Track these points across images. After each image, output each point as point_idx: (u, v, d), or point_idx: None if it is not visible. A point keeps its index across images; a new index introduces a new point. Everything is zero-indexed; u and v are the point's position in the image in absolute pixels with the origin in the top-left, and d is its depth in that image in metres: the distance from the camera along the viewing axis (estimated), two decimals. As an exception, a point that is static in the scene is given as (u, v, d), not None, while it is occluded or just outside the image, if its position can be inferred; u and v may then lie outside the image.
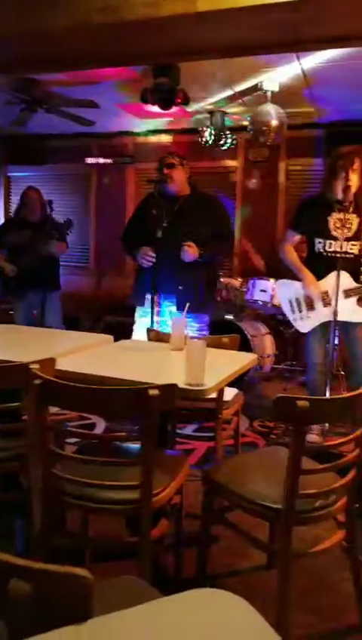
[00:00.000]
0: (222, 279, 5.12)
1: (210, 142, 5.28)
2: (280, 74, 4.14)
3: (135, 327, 3.63)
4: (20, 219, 4.74)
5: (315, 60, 3.82)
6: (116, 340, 2.57)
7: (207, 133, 5.24)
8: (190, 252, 3.27)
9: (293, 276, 3.52)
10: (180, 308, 3.29)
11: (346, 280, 3.23)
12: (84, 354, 2.21)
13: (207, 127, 5.25)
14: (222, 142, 5.36)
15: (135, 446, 2.02)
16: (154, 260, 3.33)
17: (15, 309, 4.71)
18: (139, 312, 3.60)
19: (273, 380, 5.16)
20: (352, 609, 1.84)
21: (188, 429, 3.67)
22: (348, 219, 3.28)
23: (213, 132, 5.24)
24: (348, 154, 3.20)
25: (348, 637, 1.79)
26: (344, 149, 3.24)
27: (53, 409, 2.28)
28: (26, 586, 0.74)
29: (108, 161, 6.39)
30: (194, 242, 3.32)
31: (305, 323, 3.45)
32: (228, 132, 5.32)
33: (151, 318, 3.25)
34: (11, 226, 4.84)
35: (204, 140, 5.26)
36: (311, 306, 3.40)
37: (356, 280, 3.29)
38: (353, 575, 1.82)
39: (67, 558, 2.00)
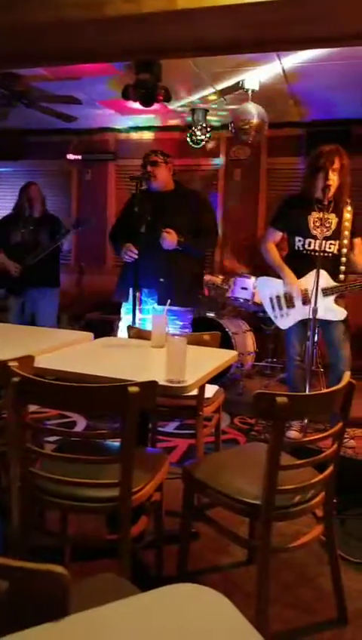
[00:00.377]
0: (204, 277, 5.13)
1: (192, 139, 5.28)
2: (261, 73, 4.16)
3: (121, 323, 3.64)
4: (20, 215, 4.53)
5: (295, 59, 3.84)
6: (98, 337, 2.56)
7: (198, 133, 5.24)
8: (168, 238, 3.32)
9: (275, 273, 3.55)
10: (161, 302, 3.31)
11: (324, 279, 3.26)
12: (63, 351, 2.20)
13: (189, 124, 5.25)
14: (201, 138, 5.37)
15: (115, 444, 2.02)
16: (136, 256, 3.36)
17: (10, 307, 4.53)
18: (124, 308, 3.60)
19: (254, 377, 5.19)
20: (331, 603, 1.86)
21: (170, 427, 3.67)
22: (327, 218, 3.31)
23: (194, 129, 5.24)
24: (329, 153, 3.21)
25: (327, 630, 1.81)
26: (324, 148, 3.25)
27: (33, 407, 2.27)
28: (3, 583, 0.73)
29: (78, 157, 6.34)
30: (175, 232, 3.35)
31: (284, 320, 3.49)
32: (208, 129, 5.33)
33: (133, 315, 3.25)
34: (11, 223, 4.59)
35: (186, 137, 5.26)
36: (291, 304, 3.44)
37: (334, 279, 3.32)
38: (331, 569, 1.84)
39: (46, 557, 1.99)
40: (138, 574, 1.82)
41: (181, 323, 3.57)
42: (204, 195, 3.85)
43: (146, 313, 3.44)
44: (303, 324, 3.39)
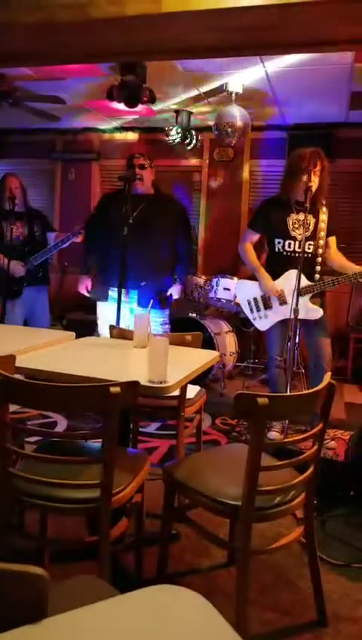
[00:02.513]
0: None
1: (176, 141, 5.29)
2: (244, 76, 4.18)
3: (99, 322, 3.67)
4: (1, 210, 4.16)
5: (279, 63, 3.88)
6: (79, 337, 2.55)
7: (173, 132, 5.24)
8: (177, 293, 3.78)
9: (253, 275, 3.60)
10: (142, 304, 3.45)
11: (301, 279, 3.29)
12: (45, 351, 2.18)
13: (173, 126, 5.26)
14: (187, 141, 5.38)
15: (96, 444, 2.01)
16: (88, 294, 3.74)
17: (9, 309, 4.15)
18: (102, 307, 3.65)
19: (235, 378, 5.20)
20: (311, 604, 1.87)
21: (151, 427, 3.67)
22: (306, 219, 3.35)
23: (178, 131, 5.25)
24: (311, 157, 3.23)
25: (307, 633, 1.82)
26: (305, 152, 3.26)
27: (14, 407, 2.25)
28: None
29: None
30: (156, 241, 3.51)
31: (263, 322, 3.54)
32: (193, 131, 5.35)
33: (118, 315, 3.24)
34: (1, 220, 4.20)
35: (170, 139, 5.27)
36: (268, 305, 3.49)
37: (310, 279, 3.36)
38: (311, 570, 1.85)
39: (25, 558, 1.97)
40: (118, 576, 1.81)
41: (161, 319, 3.65)
42: (181, 203, 3.99)
43: (131, 313, 3.47)
44: (284, 324, 3.42)
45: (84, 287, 3.78)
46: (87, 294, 3.79)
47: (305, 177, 3.20)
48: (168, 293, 3.74)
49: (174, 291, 3.79)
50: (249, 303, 3.58)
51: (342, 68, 3.90)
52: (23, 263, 4.15)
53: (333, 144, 5.19)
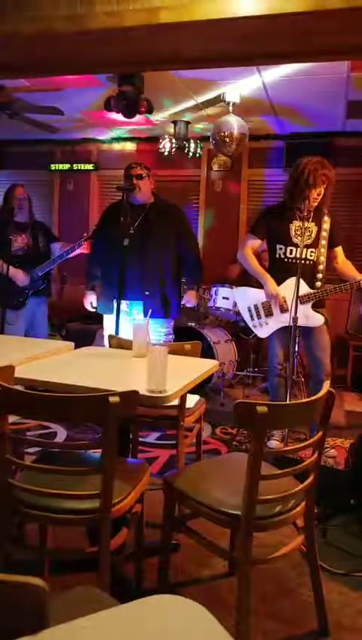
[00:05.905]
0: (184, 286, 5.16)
1: (172, 151, 5.32)
2: (241, 86, 4.22)
3: (105, 333, 3.65)
4: (7, 220, 4.15)
5: (275, 73, 3.91)
6: (78, 347, 2.55)
7: (165, 143, 5.28)
8: (192, 300, 3.77)
9: (255, 283, 3.59)
10: (147, 313, 3.40)
11: (302, 286, 3.30)
12: (44, 361, 2.18)
13: (171, 136, 5.29)
14: (186, 151, 5.41)
15: (96, 455, 2.00)
16: (94, 310, 3.73)
17: (12, 320, 4.14)
18: (107, 320, 3.64)
19: (235, 387, 5.20)
20: (312, 614, 1.86)
21: (151, 437, 3.66)
22: (308, 227, 3.37)
23: (176, 141, 5.29)
24: (317, 168, 3.18)
25: (308, 642, 1.81)
26: (311, 165, 3.20)
27: (13, 418, 2.25)
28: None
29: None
30: (159, 249, 3.50)
31: (263, 329, 3.53)
32: (191, 141, 5.38)
33: (117, 325, 3.24)
34: (7, 231, 4.18)
35: (167, 149, 5.30)
36: (269, 312, 3.48)
37: (311, 286, 3.36)
38: (312, 580, 1.84)
39: (25, 570, 1.96)
40: (118, 587, 1.80)
41: (165, 330, 3.63)
42: (182, 210, 3.94)
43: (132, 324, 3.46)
44: (285, 332, 3.41)
45: (89, 303, 3.76)
46: (92, 310, 3.76)
47: (309, 192, 3.20)
48: (182, 303, 3.72)
49: (187, 299, 3.75)
50: (249, 310, 3.57)
51: (339, 77, 3.94)
52: (25, 271, 4.14)
53: (331, 153, 5.22)
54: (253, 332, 3.67)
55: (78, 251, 4.18)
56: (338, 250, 3.48)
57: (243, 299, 3.66)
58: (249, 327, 3.66)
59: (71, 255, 4.20)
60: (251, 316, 3.57)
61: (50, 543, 2.06)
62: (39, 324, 4.37)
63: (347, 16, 2.22)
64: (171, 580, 1.98)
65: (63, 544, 2.24)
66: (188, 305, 3.80)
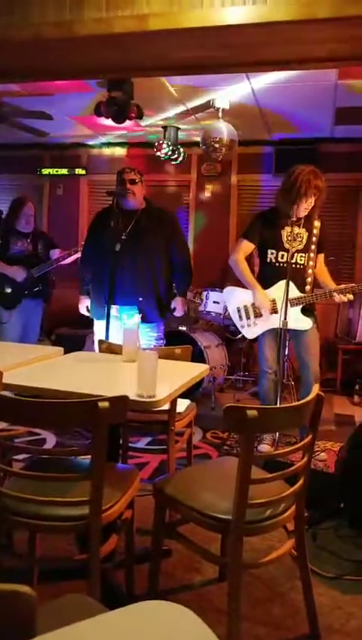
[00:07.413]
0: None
1: (166, 156, 5.33)
2: (231, 92, 4.24)
3: (95, 338, 3.64)
4: (10, 229, 4.33)
5: (264, 80, 3.94)
6: (68, 352, 2.54)
7: (164, 147, 5.29)
8: (181, 309, 3.75)
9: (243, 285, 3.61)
10: (146, 319, 3.50)
11: (292, 290, 3.32)
12: (33, 367, 2.17)
13: (163, 141, 5.30)
14: (175, 156, 5.43)
15: (85, 461, 1.99)
16: (88, 314, 3.72)
17: (6, 319, 4.27)
18: (98, 325, 3.64)
19: (226, 391, 5.20)
20: (302, 618, 1.86)
21: (141, 443, 3.65)
22: (299, 233, 3.42)
23: (168, 146, 5.30)
24: (310, 178, 3.22)
25: (299, 646, 1.81)
26: (304, 174, 3.24)
27: (1, 424, 2.23)
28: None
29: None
30: (151, 254, 3.51)
31: (252, 330, 3.53)
32: (180, 147, 5.40)
33: (107, 329, 3.24)
34: (9, 236, 4.36)
35: (161, 153, 5.31)
36: (258, 314, 3.49)
37: (301, 290, 3.39)
38: (302, 584, 1.84)
39: (14, 578, 1.94)
40: (108, 594, 1.79)
41: (155, 334, 3.63)
42: (173, 215, 3.96)
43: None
44: (274, 335, 3.43)
45: (85, 307, 3.76)
46: (87, 314, 3.76)
47: (299, 202, 3.26)
48: (172, 307, 3.73)
49: (176, 307, 3.75)
50: (238, 311, 3.57)
51: (327, 84, 3.98)
52: (24, 269, 4.24)
53: (319, 159, 5.26)
54: (240, 333, 3.65)
55: (74, 257, 4.32)
56: (321, 257, 3.55)
57: (232, 299, 3.65)
58: (237, 327, 3.66)
59: (67, 261, 4.35)
60: (240, 316, 3.57)
61: (39, 551, 2.03)
62: (31, 327, 4.40)
63: (335, 25, 2.24)
64: (162, 586, 1.97)
65: (53, 552, 2.23)
66: (176, 314, 3.80)
